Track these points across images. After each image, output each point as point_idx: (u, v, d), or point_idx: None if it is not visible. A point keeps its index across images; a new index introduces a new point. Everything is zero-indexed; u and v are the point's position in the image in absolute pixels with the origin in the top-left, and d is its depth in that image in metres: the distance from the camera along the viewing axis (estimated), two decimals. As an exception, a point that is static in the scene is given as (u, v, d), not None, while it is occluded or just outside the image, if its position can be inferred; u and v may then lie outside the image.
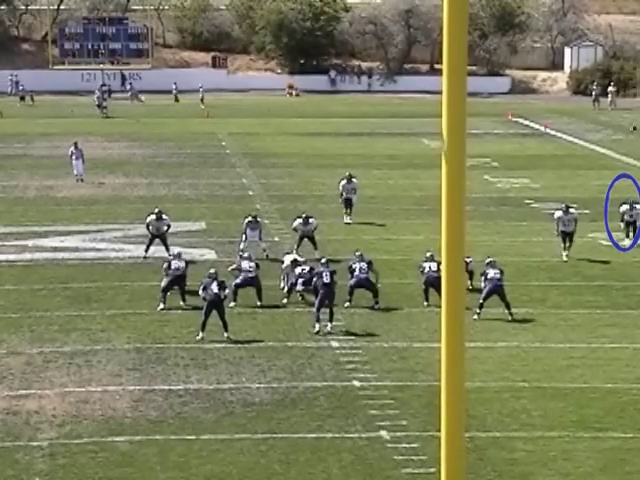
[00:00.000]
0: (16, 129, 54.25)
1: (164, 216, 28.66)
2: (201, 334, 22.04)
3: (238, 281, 24.43)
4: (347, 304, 24.01)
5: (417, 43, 79.02)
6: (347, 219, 32.78)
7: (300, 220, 28.50)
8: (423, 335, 22.24)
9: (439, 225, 7.14)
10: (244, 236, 28.11)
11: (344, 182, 33.03)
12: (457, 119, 6.78)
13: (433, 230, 29.68)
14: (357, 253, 25.05)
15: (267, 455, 16.86)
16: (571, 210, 29.45)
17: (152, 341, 22.04)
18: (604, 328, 23.26)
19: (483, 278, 23.86)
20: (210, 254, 28.71)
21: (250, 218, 28.34)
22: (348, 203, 32.86)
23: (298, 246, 28.00)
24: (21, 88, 66.91)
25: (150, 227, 28.51)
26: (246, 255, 25.22)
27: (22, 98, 65.99)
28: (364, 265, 24.41)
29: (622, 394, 19.49)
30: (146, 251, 28.43)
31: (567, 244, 28.98)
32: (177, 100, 67.50)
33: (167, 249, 27.77)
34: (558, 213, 29.37)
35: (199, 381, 19.91)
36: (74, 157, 39.94)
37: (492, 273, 23.77)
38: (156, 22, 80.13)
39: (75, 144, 40.50)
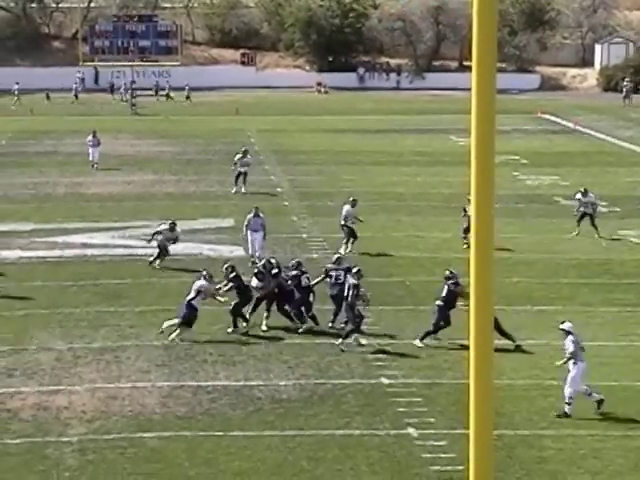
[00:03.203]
0: (47, 126, 54.58)
1: (177, 228, 27.82)
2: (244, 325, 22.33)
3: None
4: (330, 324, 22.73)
5: (446, 40, 78.84)
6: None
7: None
8: (451, 332, 22.17)
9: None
10: (247, 237, 27.67)
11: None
12: (486, 116, 6.75)
13: (461, 227, 29.65)
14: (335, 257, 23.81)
15: (295, 452, 16.88)
16: (590, 194, 31.15)
17: (181, 337, 22.10)
18: (634, 326, 23.12)
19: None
20: (239, 251, 28.76)
21: (252, 215, 27.76)
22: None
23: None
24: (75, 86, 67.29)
25: (160, 236, 27.53)
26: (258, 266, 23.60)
27: (76, 97, 66.43)
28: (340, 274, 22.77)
29: (652, 393, 19.36)
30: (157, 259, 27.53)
31: (580, 224, 30.81)
32: (133, 102, 63.11)
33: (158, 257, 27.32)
34: (578, 195, 31.41)
35: (227, 378, 19.96)
36: (91, 144, 42.36)
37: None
38: (185, 19, 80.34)
39: (93, 133, 42.52)
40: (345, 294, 21.65)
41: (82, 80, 69.85)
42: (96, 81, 73.06)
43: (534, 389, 19.45)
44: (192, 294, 22.21)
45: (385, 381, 19.84)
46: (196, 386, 19.54)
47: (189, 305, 22.11)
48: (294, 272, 22.90)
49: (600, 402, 18.14)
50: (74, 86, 67.95)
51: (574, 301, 24.95)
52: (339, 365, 20.64)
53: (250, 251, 27.72)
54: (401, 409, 18.48)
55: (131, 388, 19.42)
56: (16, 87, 64.70)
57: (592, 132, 54.16)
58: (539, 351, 21.50)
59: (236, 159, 37.28)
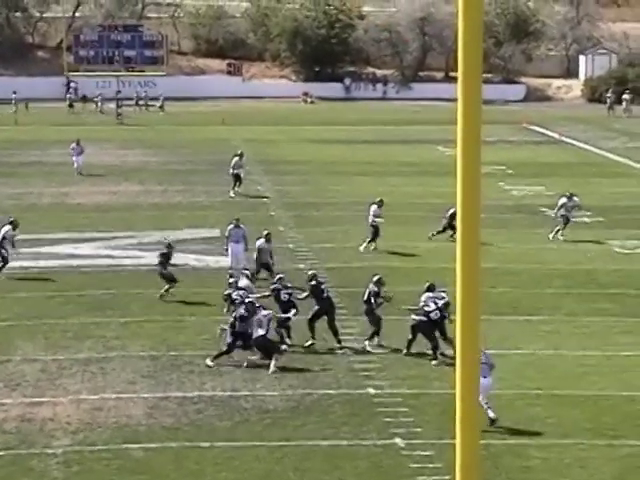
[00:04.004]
0: (31, 136, 54.46)
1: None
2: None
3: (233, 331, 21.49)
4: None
5: (432, 50, 79.07)
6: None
7: None
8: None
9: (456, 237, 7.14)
10: (228, 249, 27.59)
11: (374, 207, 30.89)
12: (472, 126, 6.77)
13: (448, 237, 29.70)
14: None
15: (282, 462, 16.85)
16: (575, 198, 32.00)
17: (166, 348, 22.06)
18: (619, 336, 23.19)
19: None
20: (225, 261, 28.72)
21: (232, 225, 27.74)
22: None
23: None
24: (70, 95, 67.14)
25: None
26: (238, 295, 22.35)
27: (71, 105, 66.28)
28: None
29: (637, 402, 19.42)
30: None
31: (562, 228, 31.45)
32: (119, 112, 62.51)
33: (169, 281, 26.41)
34: (562, 199, 31.89)
35: (214, 388, 19.92)
36: (74, 153, 43.03)
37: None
38: (171, 29, 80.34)
39: (77, 141, 43.20)
40: (365, 299, 22.23)
41: (75, 90, 69.55)
42: (68, 91, 72.67)
43: (520, 399, 19.48)
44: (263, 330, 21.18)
45: (372, 391, 19.84)
46: (182, 397, 19.49)
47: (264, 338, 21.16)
48: (273, 285, 22.87)
49: (493, 421, 18.00)
50: (68, 95, 67.73)
51: (559, 311, 25.01)
52: (326, 375, 20.62)
53: (230, 263, 27.66)
54: (388, 419, 18.48)
55: (116, 399, 19.36)
56: (14, 96, 64.64)
57: (577, 143, 54.37)
58: (525, 361, 21.53)
59: (232, 163, 38.68)
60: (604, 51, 78.03)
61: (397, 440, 17.67)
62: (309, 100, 73.23)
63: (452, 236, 28.61)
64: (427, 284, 22.32)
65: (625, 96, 67.46)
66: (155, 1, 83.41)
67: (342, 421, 18.42)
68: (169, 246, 26.46)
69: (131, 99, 66.95)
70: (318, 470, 16.56)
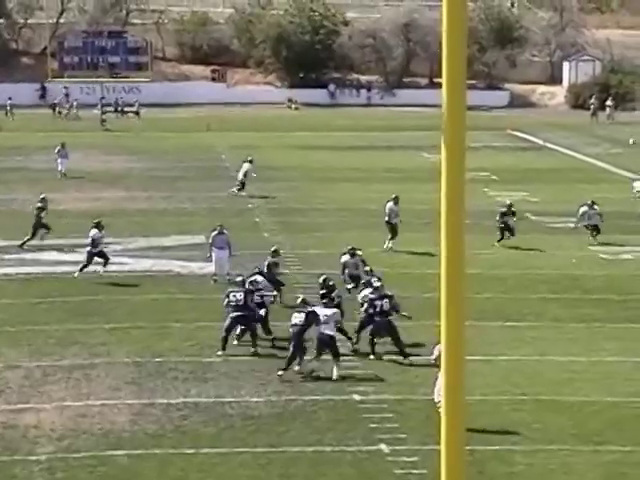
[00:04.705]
0: (15, 142, 54.29)
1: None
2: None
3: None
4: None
5: (416, 57, 79.21)
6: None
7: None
8: (423, 348, 22.19)
9: (439, 238, 7.14)
10: (212, 256, 27.62)
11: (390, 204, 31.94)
12: (457, 132, 6.78)
13: (433, 243, 29.73)
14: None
15: (267, 469, 16.82)
16: (595, 206, 32.59)
17: (151, 355, 22.00)
18: (604, 341, 23.24)
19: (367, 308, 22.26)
20: (210, 267, 28.67)
21: (216, 232, 27.76)
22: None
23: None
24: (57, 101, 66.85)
25: None
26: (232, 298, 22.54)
27: (54, 109, 66.12)
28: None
29: (622, 407, 19.46)
30: None
31: (593, 232, 32.32)
32: (103, 118, 61.97)
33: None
34: (584, 208, 32.58)
35: (199, 394, 19.87)
36: (59, 155, 43.33)
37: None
38: (155, 36, 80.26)
39: (62, 144, 43.42)
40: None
41: (67, 95, 69.18)
42: (42, 97, 72.39)
43: (505, 404, 19.49)
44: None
45: (357, 397, 19.83)
46: (167, 403, 19.44)
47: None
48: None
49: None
50: (58, 101, 67.41)
51: (545, 316, 25.05)
52: (310, 381, 20.60)
53: (214, 269, 27.68)
54: (373, 425, 18.47)
55: (101, 406, 19.29)
56: (9, 102, 64.46)
57: (560, 149, 54.52)
58: (510, 366, 21.55)
59: (243, 169, 39.98)
60: (588, 58, 78.31)
61: (382, 446, 17.66)
62: (294, 106, 73.25)
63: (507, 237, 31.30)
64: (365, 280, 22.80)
65: (609, 102, 67.77)
66: (139, 8, 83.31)
67: (327, 427, 18.40)
68: (276, 252, 26.12)
69: (110, 105, 66.69)
70: (303, 476, 16.54)
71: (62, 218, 35.80)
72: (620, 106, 69.58)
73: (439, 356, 18.30)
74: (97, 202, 38.91)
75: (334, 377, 20.60)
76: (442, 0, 6.78)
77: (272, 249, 26.36)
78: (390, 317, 21.98)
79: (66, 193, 40.37)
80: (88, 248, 28.14)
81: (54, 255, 30.57)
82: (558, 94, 77.38)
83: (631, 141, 53.55)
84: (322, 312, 21.16)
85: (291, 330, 21.18)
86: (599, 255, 31.28)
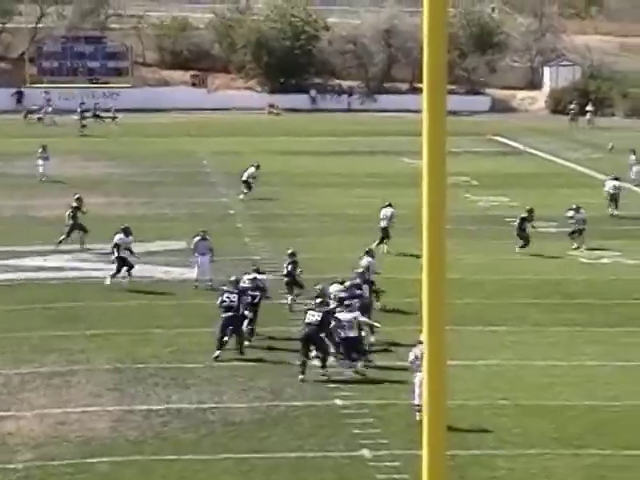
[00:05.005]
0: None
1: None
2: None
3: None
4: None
5: (397, 62, 79.34)
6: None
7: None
8: (404, 353, 22.19)
9: (420, 243, 7.15)
10: (194, 261, 27.71)
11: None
12: (437, 138, 6.78)
13: (414, 248, 29.75)
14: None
15: (249, 475, 16.78)
16: (582, 211, 32.94)
17: (132, 361, 21.93)
18: (584, 346, 23.31)
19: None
20: (191, 273, 28.63)
21: (198, 237, 27.86)
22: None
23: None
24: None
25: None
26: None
27: (25, 115, 65.33)
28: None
29: (602, 411, 19.53)
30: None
31: (578, 236, 32.54)
32: (83, 123, 61.45)
33: None
34: (570, 212, 32.99)
35: (180, 401, 19.82)
36: (41, 158, 43.21)
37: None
38: (135, 41, 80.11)
39: (43, 147, 43.39)
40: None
41: (48, 101, 68.67)
42: (19, 102, 71.94)
43: (486, 409, 19.53)
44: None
45: (339, 402, 19.82)
46: (147, 410, 19.38)
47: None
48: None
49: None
50: (39, 107, 66.89)
51: (525, 321, 25.11)
52: (292, 387, 20.58)
53: (196, 274, 27.71)
54: (355, 430, 18.46)
55: (81, 413, 19.21)
56: None
57: (541, 154, 54.72)
58: (491, 371, 21.60)
59: (248, 171, 40.81)
60: (567, 63, 78.66)
61: (364, 451, 17.65)
62: (275, 111, 73.23)
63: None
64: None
65: (589, 108, 68.09)
66: (118, 13, 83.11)
67: (309, 433, 18.38)
68: (293, 255, 26.22)
69: (88, 110, 66.37)
70: (285, 482, 16.51)
71: (44, 224, 35.67)
72: (599, 111, 69.91)
73: (414, 359, 18.46)
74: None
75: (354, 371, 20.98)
76: (422, 6, 6.79)
77: (289, 251, 26.41)
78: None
79: (45, 199, 40.21)
80: (115, 254, 27.78)
81: (37, 261, 30.43)
82: (539, 99, 77.66)
83: (610, 146, 53.78)
84: (344, 317, 21.34)
85: (305, 330, 21.10)
86: (579, 260, 31.39)
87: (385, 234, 32.26)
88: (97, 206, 39.16)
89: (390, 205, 32.37)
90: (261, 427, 18.62)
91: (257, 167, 41.39)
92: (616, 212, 37.74)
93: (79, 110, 63.17)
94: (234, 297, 22.32)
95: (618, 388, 20.69)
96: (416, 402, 17.99)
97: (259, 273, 24.35)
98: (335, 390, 20.42)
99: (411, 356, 19.01)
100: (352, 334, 21.33)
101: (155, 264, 29.97)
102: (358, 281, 23.77)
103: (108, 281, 27.50)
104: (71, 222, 31.88)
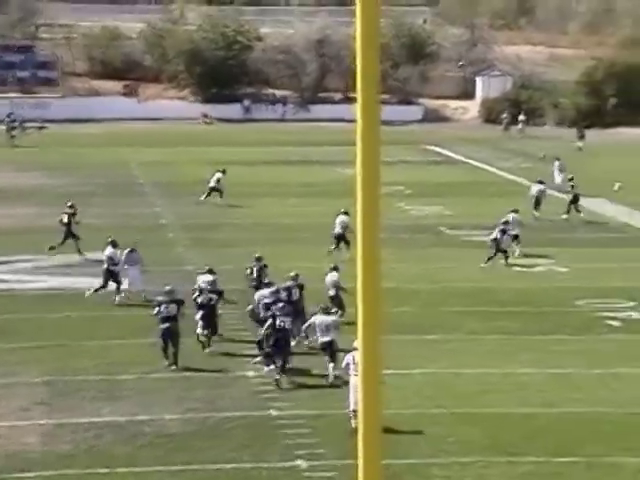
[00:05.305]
0: None
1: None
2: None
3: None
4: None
5: (330, 72, 79.53)
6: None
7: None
8: (339, 362, 22.18)
9: (355, 252, 7.12)
10: (124, 273, 27.53)
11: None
12: (371, 147, 6.77)
13: (350, 257, 29.77)
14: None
15: (183, 488, 16.61)
16: (515, 215, 33.51)
17: (62, 373, 21.62)
18: (518, 353, 23.48)
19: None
20: (123, 284, 28.33)
21: (128, 249, 27.82)
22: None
23: None
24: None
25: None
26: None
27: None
28: None
29: (535, 418, 19.67)
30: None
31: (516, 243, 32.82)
32: (12, 134, 60.09)
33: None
34: (510, 216, 33.22)
35: (112, 413, 19.57)
36: None
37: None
38: (65, 51, 79.31)
39: None
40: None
41: (9, 115, 66.98)
42: None
43: (421, 417, 19.56)
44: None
45: (274, 413, 19.73)
46: (79, 423, 19.10)
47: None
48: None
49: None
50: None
51: (459, 329, 25.23)
52: (227, 397, 20.45)
53: (127, 286, 27.52)
54: (290, 441, 18.38)
55: (10, 427, 18.87)
56: None
57: (474, 163, 55.19)
58: (426, 380, 21.66)
59: (214, 177, 41.48)
60: (499, 73, 79.51)
61: (300, 462, 17.57)
62: (208, 121, 72.97)
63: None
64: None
65: (520, 117, 68.92)
66: (48, 22, 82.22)
67: (244, 444, 18.26)
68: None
69: (15, 121, 65.24)
70: (220, 494, 16.37)
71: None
72: (531, 121, 70.76)
73: (348, 365, 18.56)
74: (8, 219, 38.22)
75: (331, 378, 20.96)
76: (355, 17, 6.78)
77: (256, 255, 26.59)
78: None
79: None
80: (105, 266, 27.26)
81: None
82: (471, 109, 78.37)
83: (542, 155, 54.43)
84: (322, 320, 21.47)
85: (278, 334, 21.25)
86: (513, 268, 31.65)
87: (342, 240, 32.11)
88: (28, 217, 38.66)
89: (346, 213, 32.13)
90: (196, 438, 18.46)
91: (223, 172, 41.93)
92: (537, 214, 38.32)
93: (7, 120, 62.23)
94: (171, 307, 22.15)
95: (551, 395, 20.87)
96: (351, 408, 18.00)
97: (212, 274, 24.37)
98: (270, 400, 20.33)
99: (345, 361, 19.08)
100: (327, 339, 21.38)
101: (87, 275, 29.61)
102: (289, 284, 23.72)
103: (117, 299, 27.04)
104: (65, 230, 32.04)
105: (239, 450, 17.97)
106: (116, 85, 78.17)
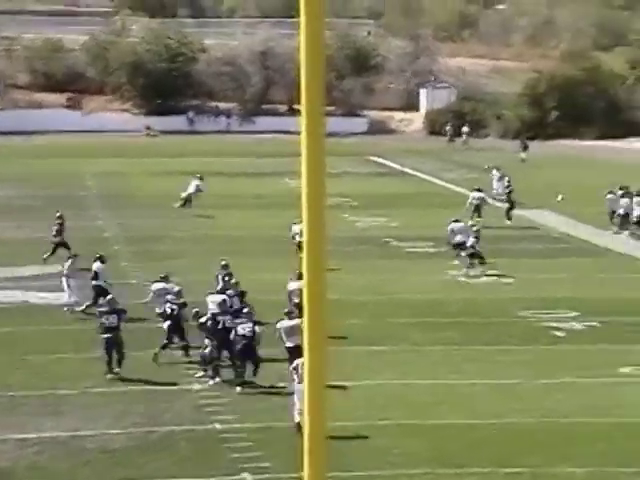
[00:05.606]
0: None
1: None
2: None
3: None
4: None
5: (275, 84, 79.58)
6: None
7: None
8: (284, 375, 22.09)
9: (302, 264, 7.08)
10: (66, 285, 27.36)
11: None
12: (316, 159, 6.74)
13: (293, 269, 29.70)
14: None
15: (126, 503, 16.42)
16: (462, 223, 33.83)
17: (3, 389, 21.30)
18: (463, 364, 23.55)
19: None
20: (65, 297, 28.02)
21: (70, 261, 27.70)
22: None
23: None
24: None
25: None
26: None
27: None
28: None
29: (481, 429, 19.71)
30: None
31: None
32: None
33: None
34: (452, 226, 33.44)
35: (54, 429, 19.30)
36: None
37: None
38: (6, 63, 78.48)
39: None
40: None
41: None
42: None
43: (368, 429, 19.52)
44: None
45: (218, 426, 19.58)
46: (20, 439, 18.80)
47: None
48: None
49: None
50: None
51: (406, 341, 25.26)
52: (171, 411, 20.26)
53: (68, 298, 27.27)
54: (235, 454, 18.25)
55: (-49, 444, 18.54)
56: None
57: (419, 174, 55.45)
58: (372, 391, 21.63)
59: (192, 185, 42.14)
60: (443, 85, 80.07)
61: (245, 475, 17.45)
62: (152, 133, 72.62)
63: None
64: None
65: (464, 129, 69.46)
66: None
67: (188, 458, 18.09)
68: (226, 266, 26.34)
69: None
70: (165, 510, 16.20)
71: None
72: (474, 132, 71.31)
73: (293, 370, 18.61)
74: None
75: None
76: (299, 29, 6.76)
77: (222, 263, 26.94)
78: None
79: None
80: (93, 282, 26.95)
81: None
82: (415, 121, 78.81)
83: (486, 166, 54.82)
84: (286, 325, 21.65)
85: (241, 343, 21.42)
86: (458, 278, 31.78)
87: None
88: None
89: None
90: (139, 453, 18.26)
91: (201, 178, 42.75)
92: (478, 219, 38.64)
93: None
94: (113, 318, 22.06)
95: (496, 406, 20.94)
96: (295, 415, 17.95)
97: (167, 282, 24.44)
98: (214, 414, 20.17)
99: (290, 368, 19.13)
100: (290, 344, 21.56)
101: (30, 289, 29.27)
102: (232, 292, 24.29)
103: (78, 308, 26.76)
104: (57, 240, 32.42)
105: (183, 464, 17.80)
106: (59, 97, 77.54)
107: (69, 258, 28.10)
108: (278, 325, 22.07)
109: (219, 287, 25.76)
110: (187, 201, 42.18)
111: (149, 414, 20.08)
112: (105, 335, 21.99)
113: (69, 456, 18.12)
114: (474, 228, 33.58)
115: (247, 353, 21.67)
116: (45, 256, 31.93)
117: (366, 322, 26.62)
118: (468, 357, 24.03)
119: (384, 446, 18.71)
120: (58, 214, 33.97)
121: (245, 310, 22.76)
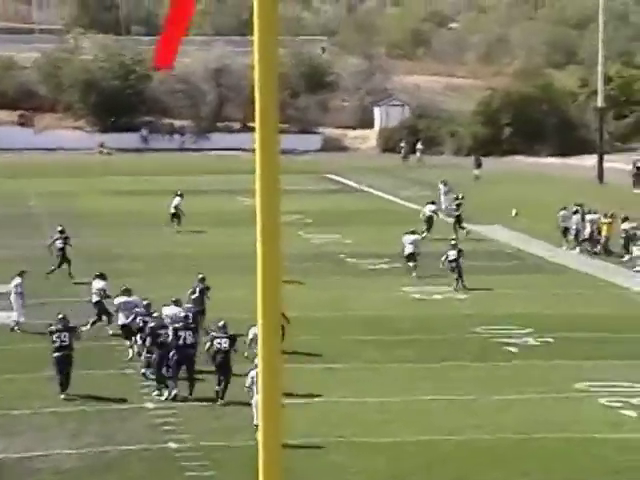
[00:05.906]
0: None
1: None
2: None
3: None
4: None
5: (229, 101, 79.53)
6: None
7: None
8: (239, 394, 21.98)
9: (256, 282, 7.05)
10: (14, 303, 27.23)
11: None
12: (270, 176, 6.74)
13: (250, 286, 29.62)
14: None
15: (80, 525, 16.22)
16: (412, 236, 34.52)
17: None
18: (418, 381, 23.58)
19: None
20: (13, 317, 27.69)
21: (19, 279, 27.52)
22: None
23: None
24: None
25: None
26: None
27: None
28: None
29: (436, 445, 19.73)
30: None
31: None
32: None
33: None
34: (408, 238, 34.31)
35: (5, 450, 19.05)
36: None
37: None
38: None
39: None
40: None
41: None
42: None
43: (322, 447, 19.47)
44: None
45: (173, 445, 19.43)
46: (-28, 460, 18.55)
47: None
48: None
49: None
50: None
51: (360, 358, 25.24)
52: (125, 430, 20.08)
53: (17, 317, 27.08)
54: (190, 473, 18.12)
55: None
56: None
57: (373, 191, 55.59)
58: (327, 409, 21.58)
59: (174, 202, 42.25)
60: (397, 103, 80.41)
61: (200, 495, 17.32)
62: (105, 151, 72.23)
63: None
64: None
65: (418, 146, 69.80)
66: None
67: (143, 477, 17.94)
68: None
69: None
70: (119, 531, 16.03)
71: None
72: (429, 150, 71.65)
73: (252, 383, 18.67)
74: None
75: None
76: (253, 46, 6.76)
77: (200, 276, 27.38)
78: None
79: None
80: (96, 299, 26.78)
81: None
82: (370, 138, 79.07)
83: (440, 183, 55.07)
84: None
85: (218, 358, 21.54)
86: (412, 296, 31.84)
87: None
88: None
89: None
90: (92, 474, 18.07)
91: (181, 196, 42.61)
92: (427, 234, 38.90)
93: None
94: (64, 336, 21.87)
95: (451, 422, 20.97)
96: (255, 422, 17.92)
97: (129, 295, 24.54)
98: (168, 433, 20.02)
99: (248, 380, 19.15)
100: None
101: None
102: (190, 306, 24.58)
103: (110, 331, 26.48)
104: (60, 254, 33.08)
105: (138, 484, 17.63)
106: (10, 115, 76.93)
107: (18, 276, 27.76)
108: (253, 331, 21.89)
109: (194, 297, 26.27)
110: (174, 216, 42.27)
111: (103, 433, 19.89)
112: (56, 354, 21.77)
113: (20, 477, 17.90)
114: (452, 242, 33.90)
115: (222, 368, 21.64)
116: (50, 269, 32.40)
117: (322, 339, 26.58)
118: (422, 374, 24.06)
119: (341, 464, 18.68)
120: (59, 228, 34.47)
121: (220, 324, 22.55)
